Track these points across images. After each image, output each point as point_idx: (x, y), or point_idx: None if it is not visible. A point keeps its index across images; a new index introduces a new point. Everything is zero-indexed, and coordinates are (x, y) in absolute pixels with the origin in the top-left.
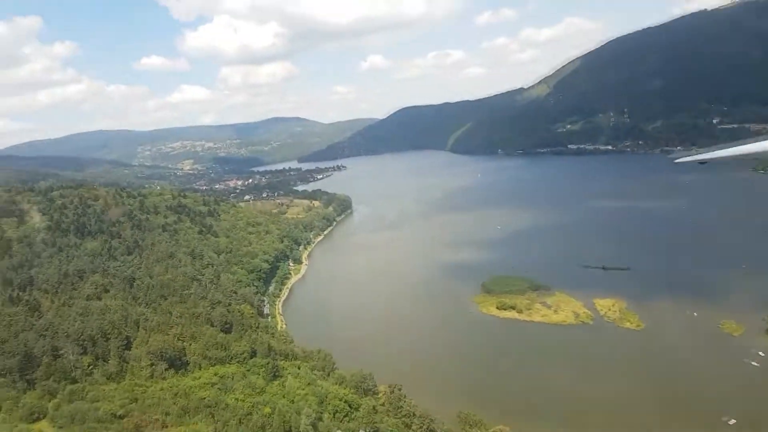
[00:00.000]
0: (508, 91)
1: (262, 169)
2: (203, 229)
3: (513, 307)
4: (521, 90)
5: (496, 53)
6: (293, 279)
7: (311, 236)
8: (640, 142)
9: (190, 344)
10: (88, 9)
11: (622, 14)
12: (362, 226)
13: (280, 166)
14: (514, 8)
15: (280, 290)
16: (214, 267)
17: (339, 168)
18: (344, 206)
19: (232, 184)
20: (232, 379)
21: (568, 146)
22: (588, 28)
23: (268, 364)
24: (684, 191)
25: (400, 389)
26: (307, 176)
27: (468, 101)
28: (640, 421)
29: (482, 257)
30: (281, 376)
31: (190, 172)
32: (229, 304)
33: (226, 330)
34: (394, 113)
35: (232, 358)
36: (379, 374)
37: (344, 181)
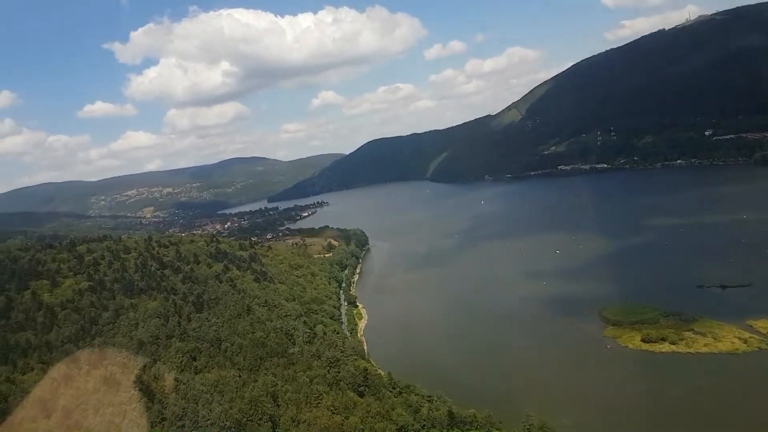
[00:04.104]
0: (477, 119)
1: (233, 211)
2: (258, 276)
3: (664, 339)
4: (490, 117)
5: (444, 85)
6: (361, 325)
7: (348, 275)
8: (636, 158)
9: (347, 417)
10: (28, 57)
11: (559, 43)
12: (394, 262)
13: (250, 207)
14: (463, 41)
15: (356, 339)
16: (301, 318)
17: (321, 204)
18: (362, 242)
19: (210, 228)
20: None
21: (559, 167)
22: (529, 57)
23: None
24: (733, 203)
25: None
26: (291, 215)
27: (437, 131)
28: None
29: (570, 287)
30: None
31: (155, 219)
32: (346, 362)
33: (360, 393)
34: (363, 146)
35: (400, 429)
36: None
37: (335, 217)
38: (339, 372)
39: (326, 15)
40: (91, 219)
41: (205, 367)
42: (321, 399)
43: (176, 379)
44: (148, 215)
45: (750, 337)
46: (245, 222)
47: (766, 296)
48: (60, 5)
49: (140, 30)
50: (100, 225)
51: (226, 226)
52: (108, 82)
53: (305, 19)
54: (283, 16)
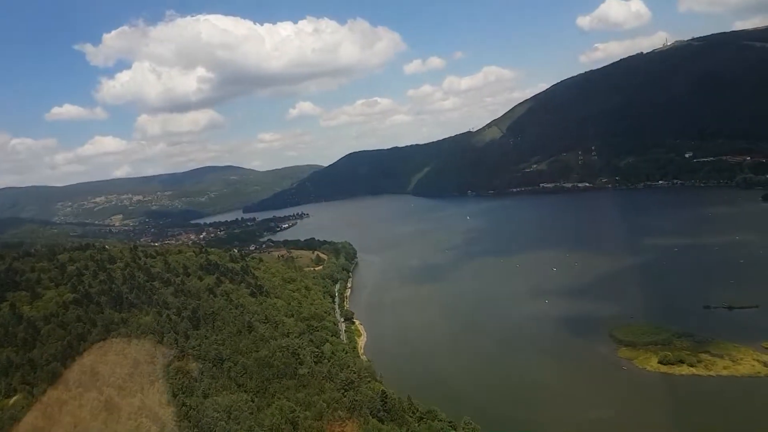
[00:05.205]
0: (458, 135)
1: (208, 221)
2: (254, 290)
3: (682, 361)
4: (470, 134)
5: (421, 101)
6: (360, 342)
7: (341, 289)
8: (617, 178)
9: None
10: None
11: (534, 64)
12: (387, 277)
13: (225, 217)
14: (442, 57)
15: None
16: (305, 335)
17: (301, 216)
18: (350, 256)
19: (184, 238)
20: None
21: (541, 185)
22: (505, 77)
23: None
24: (723, 224)
25: None
26: (271, 226)
27: (418, 145)
28: None
29: (573, 306)
30: None
31: (124, 227)
32: (360, 385)
33: (380, 419)
34: (342, 158)
35: None
36: None
37: (317, 229)
38: (356, 396)
39: (307, 25)
40: (57, 226)
41: (210, 390)
42: (345, 426)
43: (184, 404)
44: (117, 223)
45: None
46: (222, 233)
47: None
48: (29, 3)
49: (114, 32)
50: (67, 232)
51: (201, 236)
52: (78, 84)
53: (285, 28)
54: (262, 24)
